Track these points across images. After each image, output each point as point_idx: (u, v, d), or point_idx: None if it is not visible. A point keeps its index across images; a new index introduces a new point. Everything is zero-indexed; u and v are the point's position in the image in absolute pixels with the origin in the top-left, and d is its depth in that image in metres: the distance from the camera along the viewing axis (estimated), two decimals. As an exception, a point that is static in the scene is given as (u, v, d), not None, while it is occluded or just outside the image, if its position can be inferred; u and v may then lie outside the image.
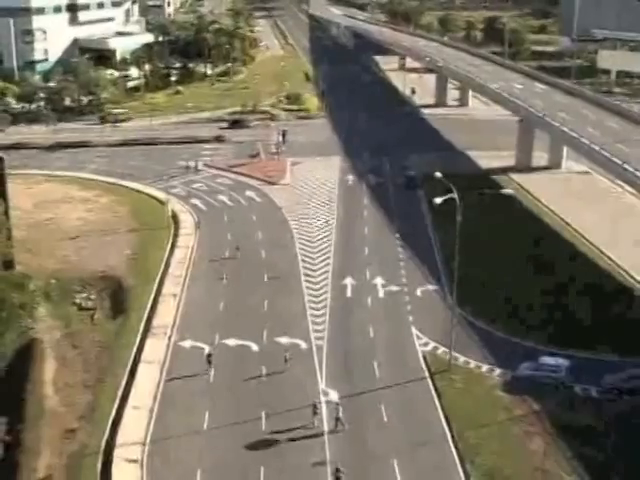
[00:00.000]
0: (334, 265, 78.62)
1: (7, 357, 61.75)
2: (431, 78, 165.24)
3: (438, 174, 61.15)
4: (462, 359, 61.18)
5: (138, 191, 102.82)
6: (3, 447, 52.45)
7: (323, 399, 54.34)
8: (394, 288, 73.38)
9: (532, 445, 51.50)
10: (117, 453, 50.01)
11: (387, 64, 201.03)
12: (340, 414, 52.37)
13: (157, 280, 75.22)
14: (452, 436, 51.97)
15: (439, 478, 48.57)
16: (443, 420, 53.75)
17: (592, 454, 50.02)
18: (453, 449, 50.79)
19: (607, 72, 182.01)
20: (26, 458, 50.02)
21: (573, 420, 53.23)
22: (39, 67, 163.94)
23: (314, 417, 52.43)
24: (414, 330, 65.66)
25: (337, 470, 46.15)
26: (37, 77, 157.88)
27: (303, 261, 79.63)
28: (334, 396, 54.23)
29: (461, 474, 48.56)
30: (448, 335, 60.65)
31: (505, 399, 56.35)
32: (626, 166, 79.27)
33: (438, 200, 56.07)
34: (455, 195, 56.69)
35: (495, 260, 77.71)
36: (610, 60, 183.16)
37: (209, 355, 58.76)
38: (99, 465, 49.31)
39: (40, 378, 59.24)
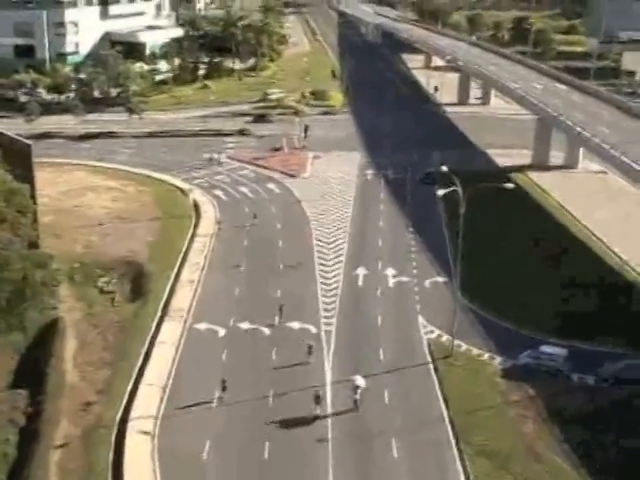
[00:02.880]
0: (348, 256, 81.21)
1: (31, 334, 64.70)
2: (455, 77, 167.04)
3: (444, 168, 63.62)
4: (465, 347, 63.60)
5: (162, 181, 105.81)
6: (25, 417, 55.32)
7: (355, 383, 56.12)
8: (404, 279, 75.88)
9: (525, 428, 53.83)
10: (131, 425, 52.84)
11: (413, 62, 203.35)
12: (358, 396, 54.94)
13: (176, 266, 78.03)
14: (449, 417, 54.45)
15: (434, 455, 51.03)
16: (442, 403, 56.23)
17: (583, 438, 52.27)
18: (449, 429, 53.25)
19: (632, 74, 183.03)
20: (46, 428, 52.84)
21: (567, 406, 55.47)
22: (70, 59, 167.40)
23: (317, 406, 54.67)
24: (420, 319, 68.18)
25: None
26: (68, 69, 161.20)
27: (318, 251, 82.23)
28: (361, 381, 56.09)
29: (455, 452, 51.01)
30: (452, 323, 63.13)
31: (503, 385, 58.72)
32: (635, 165, 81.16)
33: (441, 192, 58.59)
34: (459, 188, 59.03)
35: (505, 254, 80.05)
36: (635, 62, 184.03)
37: (224, 381, 56.37)
38: (114, 436, 52.11)
39: (61, 355, 62.16)
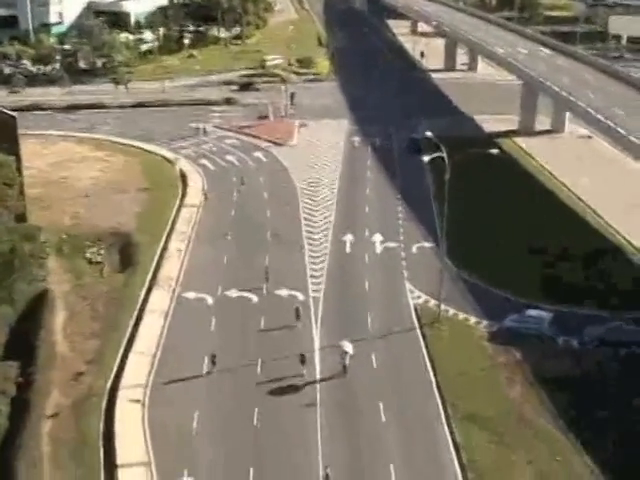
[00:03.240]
0: (335, 223, 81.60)
1: (20, 306, 64.94)
2: (441, 43, 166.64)
3: (429, 133, 63.93)
4: (452, 311, 64.16)
5: (149, 152, 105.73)
6: (16, 388, 55.68)
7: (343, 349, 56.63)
8: (391, 245, 76.35)
9: (512, 391, 54.50)
10: (121, 394, 53.31)
11: (399, 28, 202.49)
12: (347, 362, 55.60)
13: (164, 237, 78.25)
14: (436, 381, 55.11)
15: (421, 419, 51.65)
16: (429, 367, 56.88)
17: (568, 401, 52.97)
18: (436, 393, 53.92)
19: (618, 37, 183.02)
20: (36, 398, 53.29)
21: (552, 369, 56.11)
22: (54, 30, 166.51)
23: (303, 367, 55.58)
24: (407, 284, 68.68)
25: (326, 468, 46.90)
26: (52, 40, 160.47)
27: (306, 219, 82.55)
28: (349, 347, 56.61)
29: (443, 417, 51.61)
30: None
31: (490, 348, 59.38)
32: (619, 129, 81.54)
33: (426, 158, 58.93)
34: (444, 155, 59.33)
35: (492, 220, 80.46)
36: (621, 25, 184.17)
37: (213, 356, 56.02)
38: (104, 404, 52.60)
39: (51, 326, 62.46)
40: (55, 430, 50.63)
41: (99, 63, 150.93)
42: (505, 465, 47.45)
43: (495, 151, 62.39)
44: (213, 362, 55.68)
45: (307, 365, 55.90)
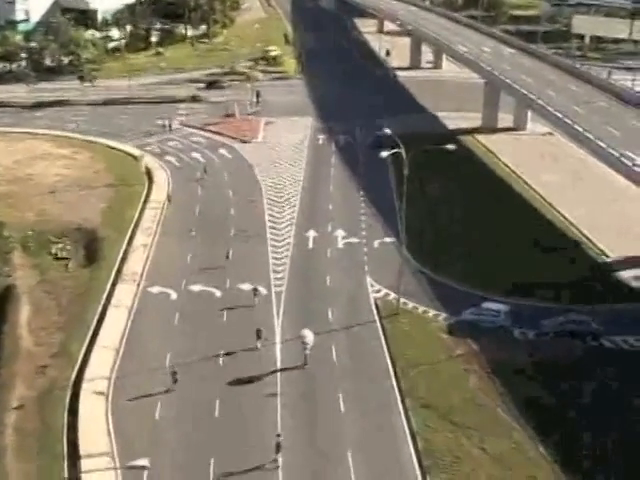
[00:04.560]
0: (299, 219, 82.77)
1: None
2: (407, 41, 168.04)
3: (387, 130, 65.29)
4: (411, 305, 65.56)
5: (115, 148, 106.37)
6: (-20, 382, 56.45)
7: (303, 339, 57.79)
8: (353, 240, 77.64)
9: (469, 382, 55.87)
10: (85, 387, 54.13)
11: (366, 27, 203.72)
12: (308, 352, 56.84)
13: (129, 232, 79.06)
14: (395, 373, 56.32)
15: (380, 408, 52.80)
16: (388, 359, 58.06)
17: (523, 390, 54.43)
18: (395, 384, 55.11)
19: (581, 37, 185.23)
20: (1, 391, 54.23)
21: (508, 360, 57.57)
22: (20, 27, 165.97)
23: (257, 341, 58.16)
24: (368, 278, 69.97)
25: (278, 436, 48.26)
26: (18, 37, 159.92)
27: (270, 215, 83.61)
28: (310, 337, 57.74)
29: (400, 407, 52.86)
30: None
31: (448, 340, 60.77)
32: (576, 127, 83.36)
33: (385, 154, 60.32)
34: (402, 150, 60.59)
35: (451, 215, 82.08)
36: (584, 25, 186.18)
37: (174, 373, 54.49)
38: (68, 397, 53.37)
39: (15, 321, 63.25)
40: (20, 422, 51.35)
41: (66, 60, 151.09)
42: (460, 451, 48.68)
43: (452, 147, 63.67)
44: (174, 379, 54.16)
45: (262, 339, 58.50)
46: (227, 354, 58.11)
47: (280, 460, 46.86)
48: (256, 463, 47.03)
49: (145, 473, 45.54)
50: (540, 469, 47.50)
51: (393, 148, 62.68)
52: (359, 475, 46.58)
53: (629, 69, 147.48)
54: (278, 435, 47.73)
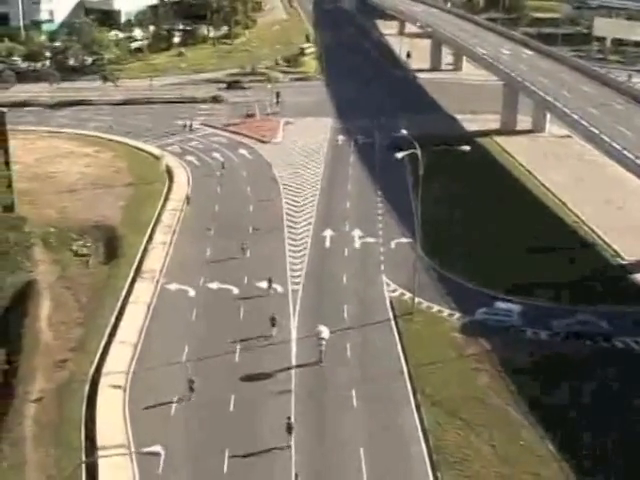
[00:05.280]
0: (316, 218, 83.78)
1: (7, 296, 66.93)
2: (428, 43, 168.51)
3: (404, 131, 66.09)
4: (425, 304, 66.36)
5: (136, 148, 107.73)
6: (1, 374, 57.67)
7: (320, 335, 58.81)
8: (370, 240, 78.50)
9: (479, 380, 56.65)
10: (103, 380, 55.29)
11: (387, 29, 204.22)
12: (323, 349, 57.78)
13: (149, 230, 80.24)
14: (408, 370, 57.20)
15: (392, 405, 53.70)
16: (401, 356, 58.98)
17: (534, 389, 55.13)
18: (407, 381, 56.00)
19: (602, 39, 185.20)
20: (21, 384, 55.39)
21: (520, 359, 58.31)
22: (45, 27, 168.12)
23: (272, 329, 60.23)
24: (384, 278, 70.83)
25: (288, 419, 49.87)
26: (43, 37, 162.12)
27: (287, 214, 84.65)
28: (325, 333, 58.68)
29: (412, 403, 53.74)
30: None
31: (460, 339, 61.57)
32: (592, 129, 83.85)
33: (400, 155, 61.19)
34: (418, 151, 61.42)
35: (469, 216, 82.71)
36: (605, 28, 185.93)
37: (191, 381, 54.14)
38: (86, 390, 54.53)
39: (36, 315, 64.48)
40: (39, 414, 52.52)
41: (89, 60, 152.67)
42: (470, 448, 49.49)
43: (466, 148, 64.53)
44: (191, 388, 53.82)
45: (278, 326, 60.69)
46: (243, 342, 59.49)
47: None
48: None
49: (161, 460, 46.27)
50: (548, 468, 48.13)
51: (409, 149, 63.51)
52: (370, 470, 47.40)
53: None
54: (288, 418, 49.45)
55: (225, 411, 52.45)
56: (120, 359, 58.05)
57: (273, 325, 60.44)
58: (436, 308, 66.13)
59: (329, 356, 58.04)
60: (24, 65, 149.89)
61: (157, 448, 35.32)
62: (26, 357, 58.76)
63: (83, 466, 45.89)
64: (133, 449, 47.60)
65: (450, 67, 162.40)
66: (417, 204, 68.04)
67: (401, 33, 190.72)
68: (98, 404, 52.76)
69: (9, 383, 55.92)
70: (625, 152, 77.04)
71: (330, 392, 54.88)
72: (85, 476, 45.81)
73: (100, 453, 47.07)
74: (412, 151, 61.60)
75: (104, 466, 45.59)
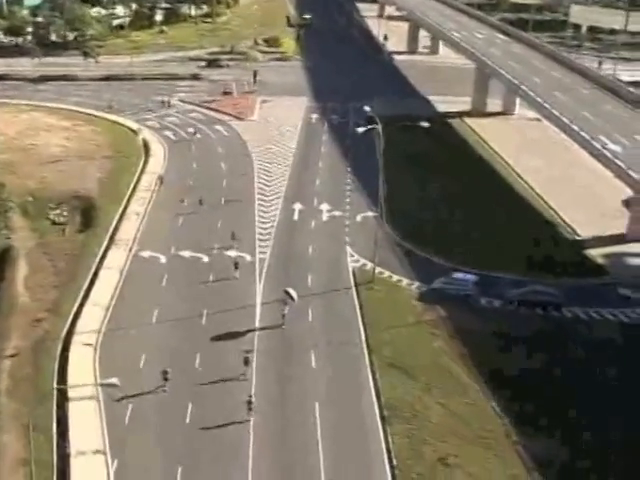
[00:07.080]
0: (287, 192, 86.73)
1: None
2: (406, 26, 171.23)
3: (367, 108, 69.11)
4: (387, 274, 69.50)
5: (115, 122, 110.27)
6: (-22, 333, 60.55)
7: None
8: (337, 213, 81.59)
9: (434, 344, 59.86)
10: (75, 339, 58.26)
11: (367, 11, 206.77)
12: (286, 312, 61.04)
13: (124, 201, 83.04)
14: (365, 334, 60.31)
15: (349, 366, 56.77)
16: (360, 322, 62.05)
17: (484, 353, 58.39)
18: (364, 344, 59.12)
19: (579, 26, 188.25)
20: (-3, 341, 58.44)
21: (472, 325, 61.57)
22: (27, 2, 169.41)
23: (235, 271, 66.22)
24: (348, 249, 73.91)
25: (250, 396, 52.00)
26: (25, 12, 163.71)
27: (259, 188, 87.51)
28: (295, 294, 62.26)
29: (367, 363, 56.88)
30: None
31: (418, 307, 64.78)
32: (554, 111, 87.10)
33: (360, 130, 64.29)
34: (379, 127, 64.47)
35: (433, 192, 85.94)
36: (581, 15, 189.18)
37: (165, 372, 53.65)
38: (59, 347, 57.50)
39: (13, 278, 67.45)
40: (14, 368, 55.50)
41: (71, 36, 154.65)
42: (419, 405, 52.70)
43: (425, 124, 67.53)
44: (165, 378, 53.57)
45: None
46: (210, 313, 62.12)
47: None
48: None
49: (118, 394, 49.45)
50: (491, 423, 51.42)
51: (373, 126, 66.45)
52: (325, 425, 50.34)
53: (626, 60, 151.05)
54: (247, 352, 54.52)
55: (191, 368, 55.36)
56: (92, 320, 60.90)
57: (236, 268, 66.54)
58: (396, 278, 69.22)
59: (291, 319, 61.09)
60: (5, 39, 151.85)
61: (114, 380, 38.51)
62: (3, 317, 61.70)
63: (54, 413, 48.94)
64: (101, 398, 50.69)
65: (427, 50, 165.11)
66: (387, 181, 70.93)
67: (380, 16, 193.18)
68: (70, 360, 55.61)
69: (-15, 341, 58.74)
70: (583, 134, 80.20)
71: (291, 352, 57.89)
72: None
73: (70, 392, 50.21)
74: (373, 127, 64.59)
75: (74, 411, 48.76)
